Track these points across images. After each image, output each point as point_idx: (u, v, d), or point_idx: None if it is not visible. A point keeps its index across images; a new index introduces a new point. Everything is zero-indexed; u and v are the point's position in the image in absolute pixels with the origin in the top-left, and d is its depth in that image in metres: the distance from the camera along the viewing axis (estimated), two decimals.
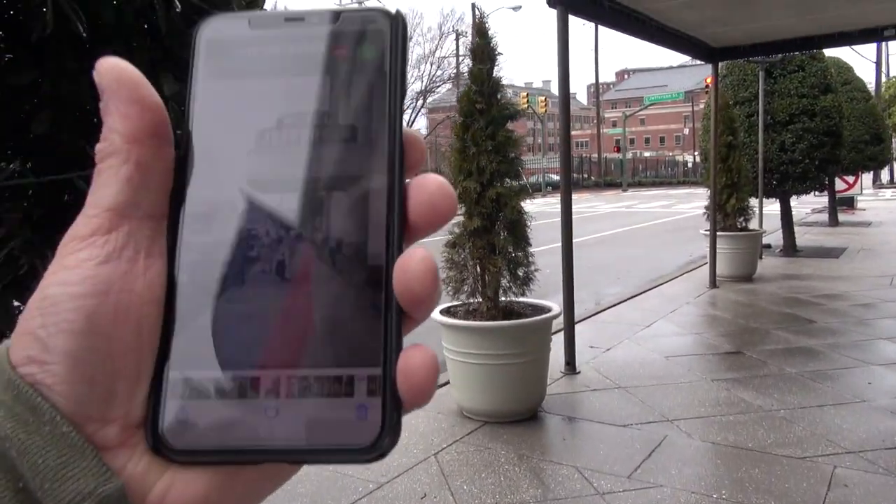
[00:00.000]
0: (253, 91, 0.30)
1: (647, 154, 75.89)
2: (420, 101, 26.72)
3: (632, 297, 7.59)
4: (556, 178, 47.38)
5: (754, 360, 5.01)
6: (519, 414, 3.95)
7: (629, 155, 56.16)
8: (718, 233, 7.95)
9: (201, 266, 0.29)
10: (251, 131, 0.30)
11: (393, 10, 0.30)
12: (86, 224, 0.28)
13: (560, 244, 4.82)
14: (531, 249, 4.16)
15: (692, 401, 4.19)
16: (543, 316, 3.93)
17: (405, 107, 0.32)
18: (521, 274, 4.08)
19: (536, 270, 4.15)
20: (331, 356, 0.28)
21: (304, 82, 0.30)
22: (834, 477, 3.12)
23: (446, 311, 4.17)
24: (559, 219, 4.83)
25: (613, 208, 27.59)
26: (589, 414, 4.03)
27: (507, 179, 4.04)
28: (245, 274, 0.28)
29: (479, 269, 4.05)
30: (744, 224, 8.55)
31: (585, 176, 49.34)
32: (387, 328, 0.28)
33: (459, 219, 4.11)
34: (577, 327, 6.11)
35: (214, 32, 0.31)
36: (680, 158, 65.78)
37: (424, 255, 0.28)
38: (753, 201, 9.23)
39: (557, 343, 4.90)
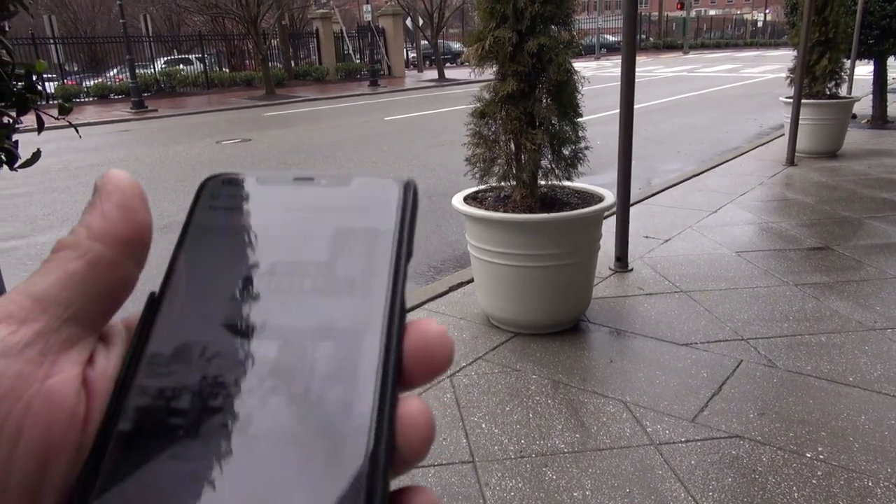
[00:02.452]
0: (247, 244, 0.28)
1: (712, 13, 69.94)
2: None
3: (694, 176, 6.63)
4: (611, 38, 44.22)
5: (847, 259, 4.14)
6: (557, 325, 3.25)
7: (693, 13, 51.79)
8: (803, 100, 6.77)
9: (152, 411, 0.23)
10: (237, 281, 0.26)
11: (405, 179, 0.29)
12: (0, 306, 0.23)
13: (619, 111, 3.89)
14: (581, 121, 3.28)
15: (772, 312, 3.41)
16: (593, 207, 3.11)
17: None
18: (566, 153, 3.23)
19: (587, 148, 3.29)
20: None
21: (303, 240, 0.28)
22: None
23: (472, 198, 3.39)
24: (613, 84, 3.87)
25: (673, 72, 25.52)
26: (642, 326, 3.31)
27: (554, 27, 3.10)
28: (205, 428, 0.23)
29: (512, 145, 3.21)
30: (834, 90, 7.30)
31: (643, 36, 45.90)
32: (373, 485, 0.22)
33: (491, 80, 3.22)
34: (630, 212, 5.29)
35: (217, 186, 0.29)
36: (749, 17, 60.51)
37: (425, 408, 0.24)
38: (844, 63, 7.89)
39: (607, 231, 4.11)
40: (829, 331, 3.17)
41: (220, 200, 0.29)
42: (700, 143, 9.41)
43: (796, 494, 2.08)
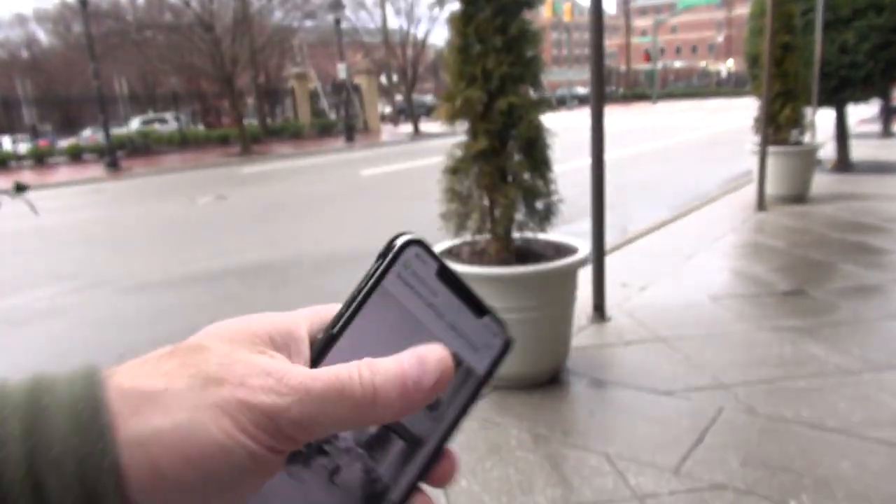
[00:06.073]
0: (400, 319, 0.34)
1: (678, 64, 72.27)
2: (437, 10, 25.08)
3: (667, 223, 6.73)
4: (582, 91, 45.43)
5: (821, 302, 4.20)
6: (536, 377, 3.22)
7: (659, 65, 53.50)
8: (769, 147, 6.96)
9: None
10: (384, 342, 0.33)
11: (508, 337, 0.36)
12: None
13: (590, 162, 3.95)
14: (553, 175, 3.32)
15: (750, 357, 3.42)
16: (568, 260, 3.13)
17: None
18: (539, 206, 3.26)
19: (560, 201, 3.33)
20: None
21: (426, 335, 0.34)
22: None
23: (447, 253, 3.39)
24: (585, 134, 3.94)
25: (642, 122, 26.18)
26: (622, 376, 3.30)
27: (524, 86, 3.17)
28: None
29: (486, 200, 3.24)
30: (798, 137, 7.52)
31: (613, 88, 47.22)
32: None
33: (461, 138, 3.26)
34: (606, 260, 5.32)
35: (411, 258, 0.34)
36: (713, 68, 62.65)
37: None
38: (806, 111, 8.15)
39: (584, 281, 4.12)
40: (807, 375, 3.18)
41: (408, 274, 0.34)
42: (672, 190, 9.59)
43: None
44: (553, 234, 3.46)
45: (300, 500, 0.31)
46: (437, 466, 0.34)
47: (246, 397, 0.27)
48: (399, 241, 0.34)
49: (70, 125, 26.32)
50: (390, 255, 0.34)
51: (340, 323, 0.33)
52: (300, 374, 0.29)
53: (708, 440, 2.67)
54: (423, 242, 0.35)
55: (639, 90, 48.91)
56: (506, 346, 0.36)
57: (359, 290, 0.34)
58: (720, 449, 2.59)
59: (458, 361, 0.34)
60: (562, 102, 40.90)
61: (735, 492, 2.32)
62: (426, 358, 0.31)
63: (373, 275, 0.34)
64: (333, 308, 0.35)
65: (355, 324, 0.33)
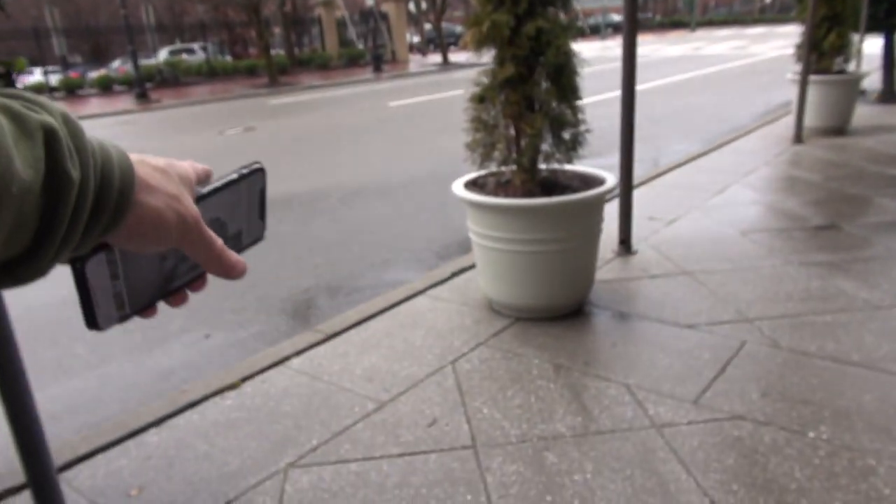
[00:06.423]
0: (233, 201, 0.59)
1: None
2: None
3: (700, 156, 6.57)
4: (617, 18, 43.74)
5: (854, 237, 4.11)
6: (559, 309, 3.24)
7: None
8: (811, 76, 6.68)
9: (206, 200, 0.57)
10: (228, 206, 0.59)
11: (263, 236, 0.65)
12: None
13: (620, 92, 3.84)
14: (581, 103, 3.24)
15: (777, 292, 3.38)
16: (594, 191, 3.09)
17: None
18: (566, 136, 3.20)
19: (587, 131, 3.26)
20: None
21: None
22: None
23: (472, 184, 3.37)
24: (619, 64, 3.82)
25: (679, 51, 25.26)
26: (646, 309, 3.29)
27: (552, 9, 3.06)
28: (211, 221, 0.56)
29: (512, 130, 3.18)
30: (842, 65, 7.20)
31: (650, 15, 45.39)
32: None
33: (490, 67, 3.18)
34: (634, 193, 5.25)
35: (258, 176, 0.61)
36: None
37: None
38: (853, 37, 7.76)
39: (611, 214, 4.08)
40: (834, 310, 3.15)
41: (251, 183, 0.60)
42: (707, 121, 9.32)
43: (798, 474, 2.07)
44: (580, 166, 3.41)
45: (150, 260, 0.52)
46: (199, 282, 0.58)
47: (186, 216, 0.49)
48: (256, 166, 0.60)
49: (99, 56, 26.31)
50: (249, 171, 0.59)
51: (211, 192, 0.55)
52: (204, 225, 0.51)
53: (729, 373, 2.68)
54: (265, 171, 0.61)
55: (677, 17, 46.95)
56: (259, 239, 0.64)
57: (228, 180, 0.57)
58: (741, 381, 2.60)
59: (239, 234, 0.60)
60: (595, 31, 39.52)
61: (754, 423, 2.34)
62: (241, 265, 0.55)
63: (238, 176, 0.58)
64: (201, 166, 0.57)
65: (217, 195, 0.56)
